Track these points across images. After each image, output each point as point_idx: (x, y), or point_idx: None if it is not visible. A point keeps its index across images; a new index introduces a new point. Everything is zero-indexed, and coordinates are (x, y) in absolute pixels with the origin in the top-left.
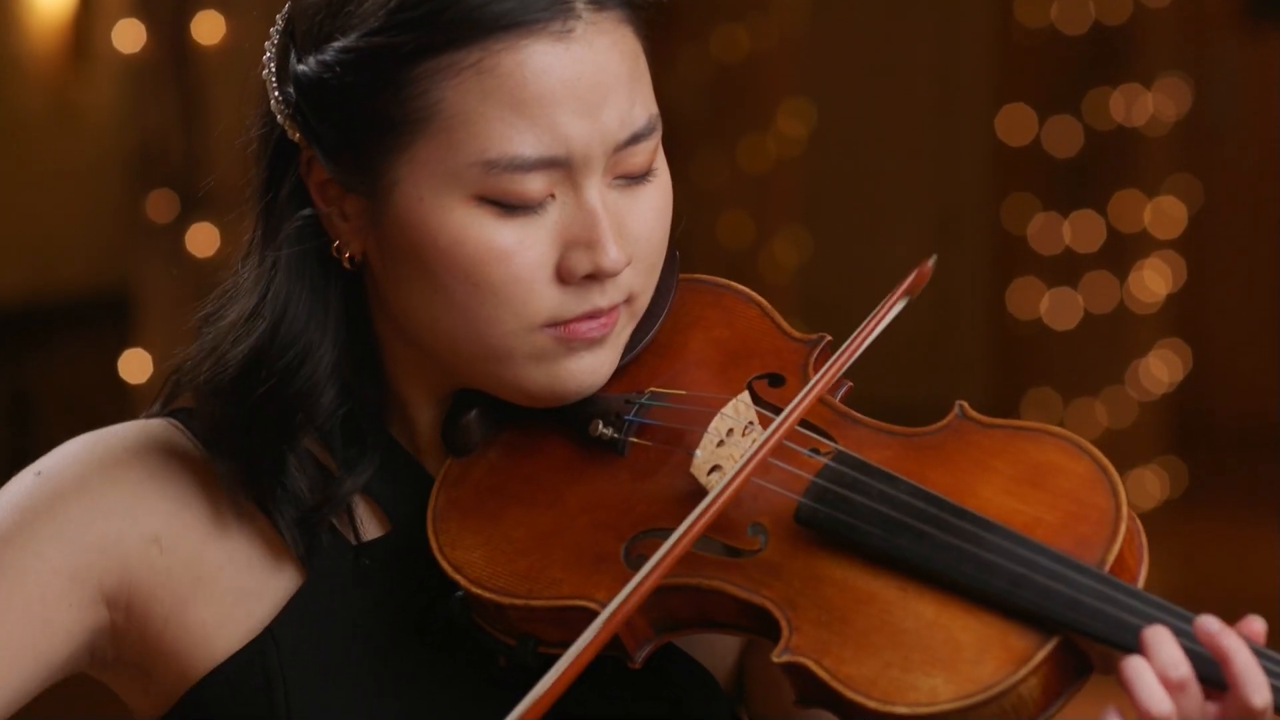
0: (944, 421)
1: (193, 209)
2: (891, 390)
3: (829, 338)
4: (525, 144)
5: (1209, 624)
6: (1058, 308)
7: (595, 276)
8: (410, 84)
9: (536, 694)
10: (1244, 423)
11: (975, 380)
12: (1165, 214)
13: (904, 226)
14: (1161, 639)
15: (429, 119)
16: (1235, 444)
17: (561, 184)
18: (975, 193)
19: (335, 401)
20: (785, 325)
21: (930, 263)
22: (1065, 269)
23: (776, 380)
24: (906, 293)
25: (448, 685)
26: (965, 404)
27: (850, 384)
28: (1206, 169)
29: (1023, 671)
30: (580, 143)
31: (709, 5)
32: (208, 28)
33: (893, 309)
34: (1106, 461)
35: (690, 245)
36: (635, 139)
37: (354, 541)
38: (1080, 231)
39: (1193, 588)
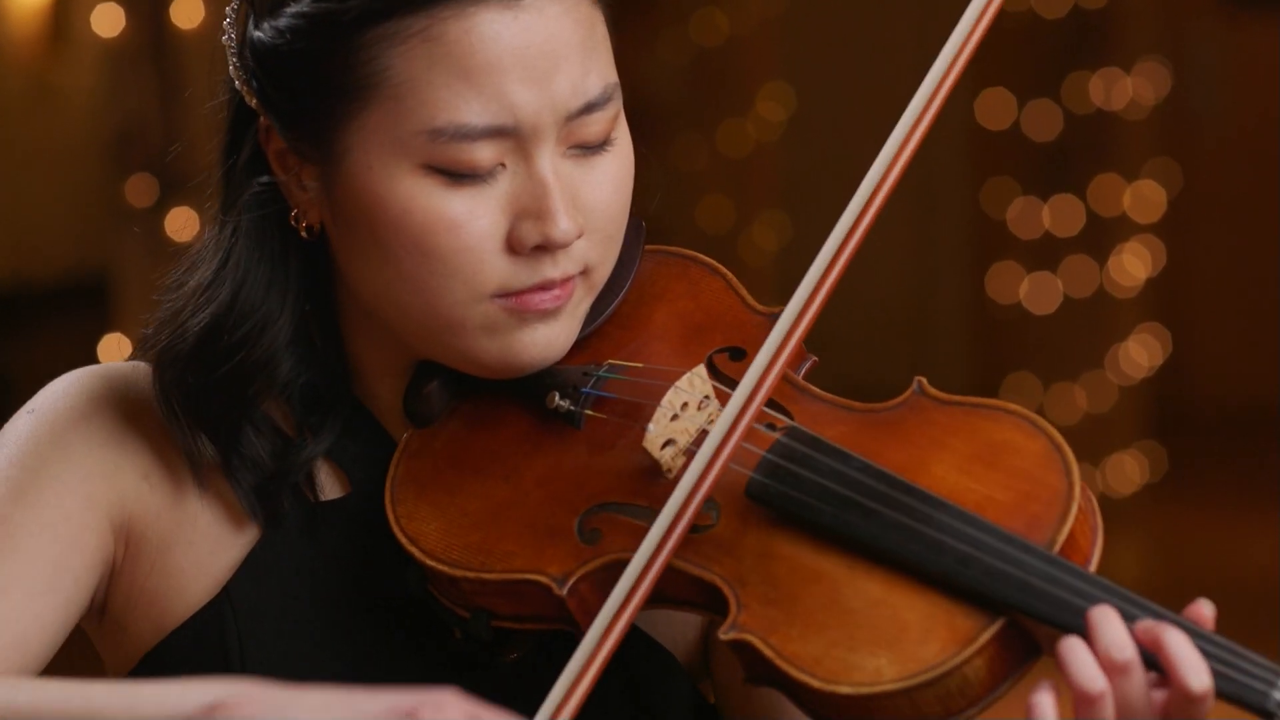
0: (902, 398)
1: (172, 193)
2: (870, 373)
3: (815, 360)
4: (471, 113)
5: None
6: (1037, 292)
7: (545, 247)
8: (358, 50)
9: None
10: (1223, 407)
11: (954, 364)
12: (1144, 198)
13: (883, 210)
14: (1107, 618)
15: (377, 86)
16: (1214, 428)
17: (512, 153)
18: (954, 176)
19: (294, 370)
20: (749, 298)
21: None
22: (1045, 253)
23: (737, 354)
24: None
25: (401, 651)
26: (924, 380)
27: (815, 359)
28: (1186, 153)
29: (967, 652)
30: (529, 111)
31: None
32: (186, 12)
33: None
34: (1061, 440)
35: (669, 229)
36: (589, 108)
37: (313, 500)
38: (1059, 216)
39: (1171, 572)
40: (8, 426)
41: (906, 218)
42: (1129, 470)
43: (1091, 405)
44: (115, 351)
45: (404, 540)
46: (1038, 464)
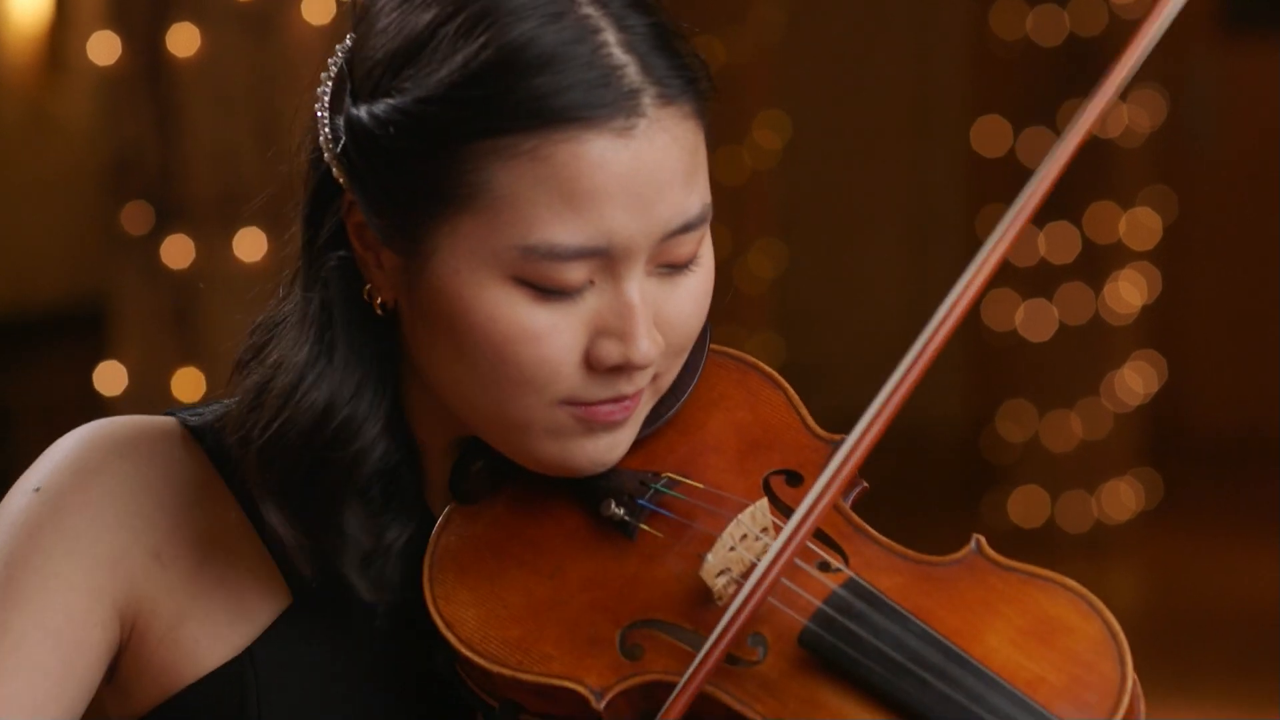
0: (959, 555)
1: (168, 220)
2: (866, 400)
3: (865, 485)
4: (568, 234)
5: None
6: (1033, 319)
7: (623, 368)
8: (462, 160)
9: None
10: (1219, 434)
11: (950, 391)
12: (1140, 225)
13: (879, 238)
14: None
15: (476, 196)
16: (1210, 456)
17: (601, 271)
18: (950, 204)
19: (382, 459)
20: (808, 418)
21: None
22: (1040, 280)
23: (794, 479)
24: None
25: None
26: (982, 539)
27: (865, 484)
28: (1181, 180)
29: None
30: (624, 236)
31: (685, 17)
32: (183, 40)
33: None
34: (1116, 625)
35: None
36: (686, 228)
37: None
38: (1055, 243)
39: (1167, 599)
40: (8, 501)
41: (903, 245)
42: (1124, 497)
43: (1087, 432)
44: (112, 380)
45: (440, 624)
46: (1092, 649)
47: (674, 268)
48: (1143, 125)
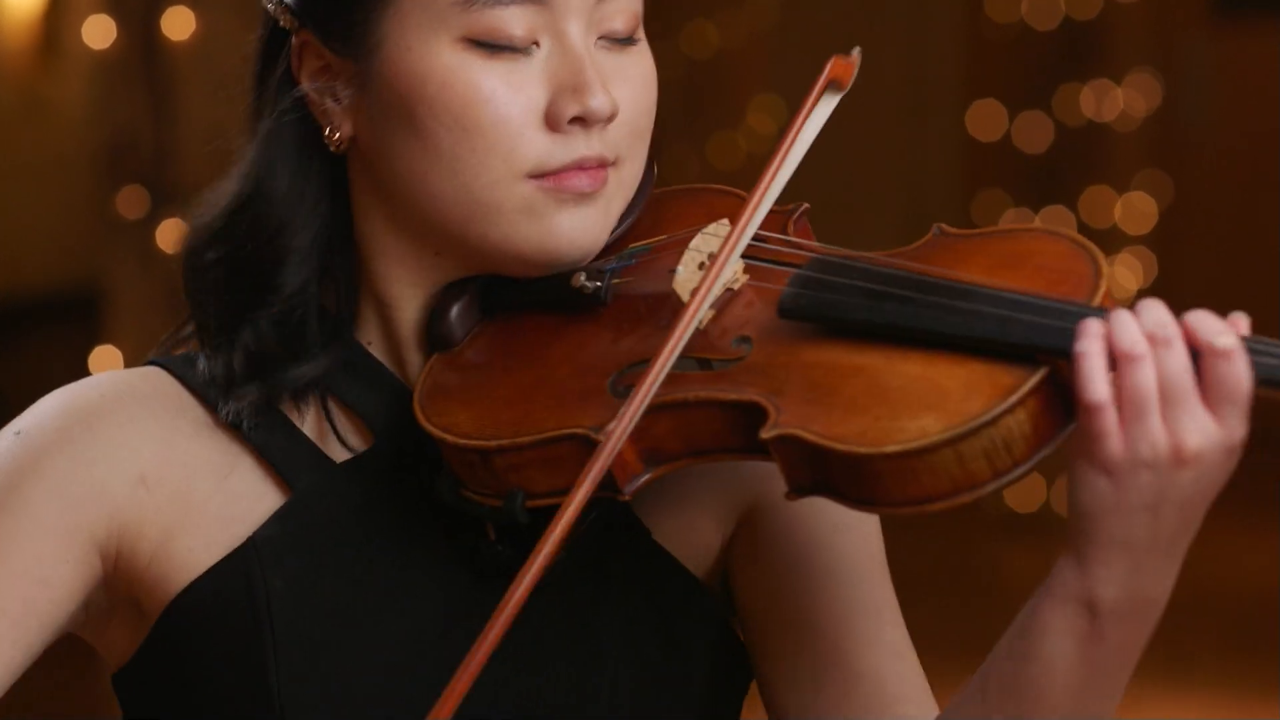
0: (923, 240)
1: (163, 205)
2: None
3: (807, 205)
4: None
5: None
6: None
7: (583, 120)
8: None
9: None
10: None
11: None
12: (1135, 210)
13: (874, 223)
14: (1151, 304)
15: None
16: None
17: (545, 29)
18: (945, 189)
19: (303, 282)
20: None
21: (854, 54)
22: None
23: (758, 238)
24: (832, 86)
25: (433, 575)
26: (944, 224)
27: (807, 205)
28: (1177, 165)
29: (1010, 400)
30: None
31: (679, 2)
32: (178, 23)
33: (817, 107)
34: (1085, 240)
35: None
36: None
37: (336, 457)
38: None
39: None
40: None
41: (898, 228)
42: None
43: None
44: (107, 364)
45: (436, 431)
46: (1062, 259)
47: (615, 40)
48: (1138, 110)
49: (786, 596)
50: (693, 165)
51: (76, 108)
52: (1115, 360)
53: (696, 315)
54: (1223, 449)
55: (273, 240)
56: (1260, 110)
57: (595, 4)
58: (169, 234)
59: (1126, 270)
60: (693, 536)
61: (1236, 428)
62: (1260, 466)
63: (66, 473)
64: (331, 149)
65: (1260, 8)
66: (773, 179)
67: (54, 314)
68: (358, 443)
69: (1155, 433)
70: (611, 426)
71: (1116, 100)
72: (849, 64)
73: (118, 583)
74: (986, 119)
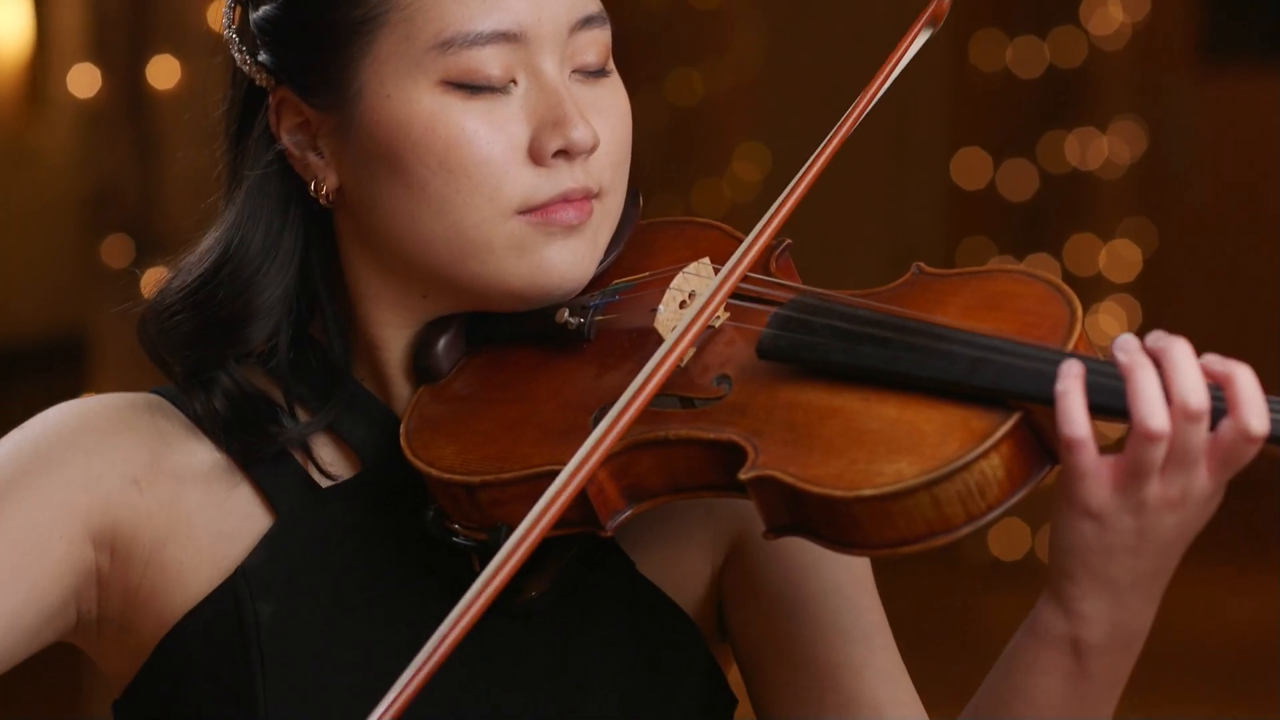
0: (902, 279)
1: (148, 253)
2: None
3: (790, 241)
4: (476, 20)
5: (1211, 360)
6: None
7: (567, 153)
8: None
9: (510, 544)
10: None
11: None
12: (1120, 257)
13: (859, 270)
14: (1183, 357)
15: (385, 13)
16: None
17: (521, 66)
18: (930, 236)
19: (276, 336)
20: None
21: None
22: None
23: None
24: (929, 23)
25: (419, 605)
26: (922, 264)
27: (790, 241)
28: (1161, 212)
29: (985, 445)
30: (530, 18)
31: (663, 49)
32: (163, 72)
33: (913, 44)
34: (1061, 283)
35: None
36: (588, 22)
37: (323, 484)
38: None
39: (1155, 629)
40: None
41: (882, 276)
42: None
43: None
44: None
45: (421, 465)
46: (1039, 302)
47: (588, 73)
48: (1122, 157)
49: (779, 625)
50: (678, 213)
51: (62, 156)
52: (1130, 430)
53: (671, 358)
54: (1210, 497)
55: (240, 297)
56: (1244, 158)
57: (568, 38)
58: (154, 282)
59: (1111, 318)
60: (679, 568)
61: (1226, 480)
62: (1250, 512)
63: (65, 457)
64: (320, 203)
65: (1244, 55)
66: (839, 140)
67: (39, 361)
68: (345, 469)
69: (1149, 489)
70: (575, 461)
71: (1101, 148)
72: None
73: (112, 588)
74: (971, 166)
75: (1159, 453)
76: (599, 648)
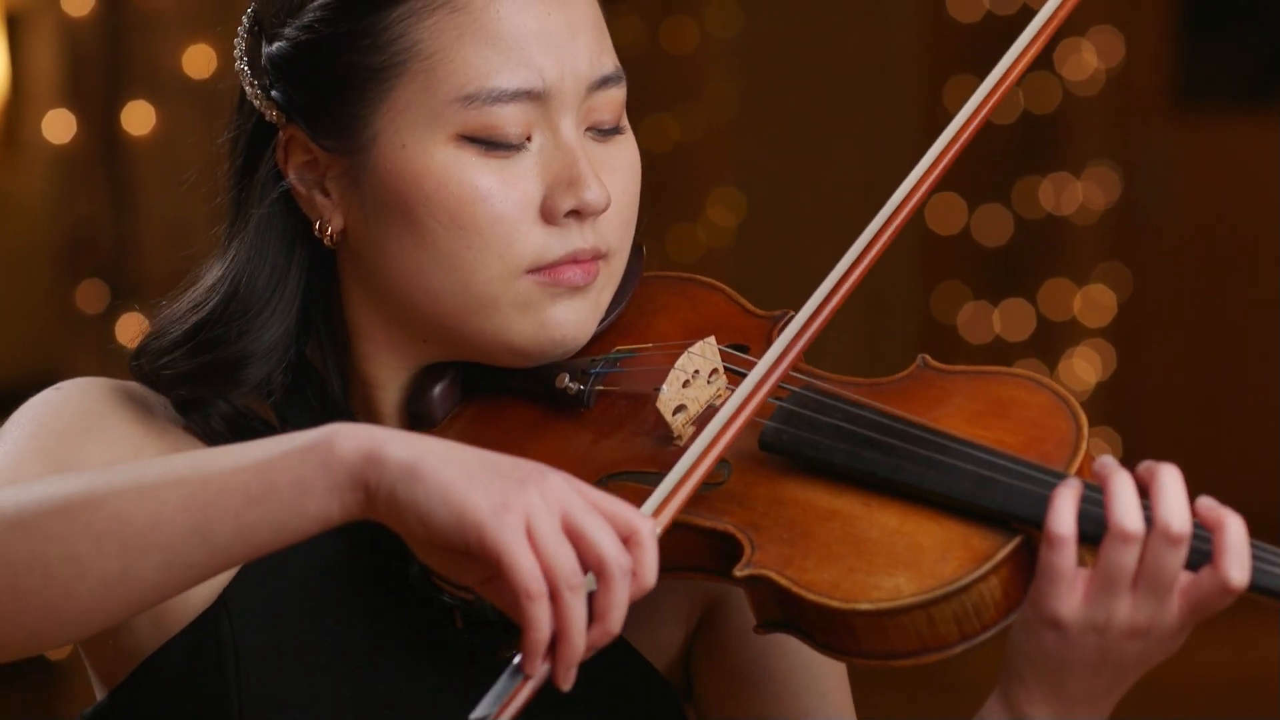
0: (907, 371)
1: (122, 299)
2: None
3: (792, 312)
4: (502, 77)
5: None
6: None
7: (579, 213)
8: (386, 29)
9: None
10: None
11: None
12: (1095, 302)
13: (836, 315)
14: (1172, 480)
15: (406, 62)
16: None
17: (539, 123)
18: (905, 281)
19: (274, 373)
20: (749, 305)
21: None
22: (995, 358)
23: (741, 349)
24: None
25: (400, 653)
26: (928, 356)
27: (792, 311)
28: (1136, 257)
29: (985, 568)
30: (554, 75)
31: (637, 95)
32: (138, 118)
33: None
34: (1067, 393)
35: None
36: (605, 82)
37: None
38: (1010, 320)
39: None
40: (28, 404)
41: (857, 321)
42: None
43: None
44: None
45: None
46: (1045, 413)
47: (602, 131)
48: (1097, 202)
49: (743, 700)
50: (652, 258)
51: (36, 201)
52: (1106, 533)
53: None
54: (1177, 634)
55: (242, 339)
56: (1219, 203)
57: (585, 96)
58: (129, 328)
59: (1086, 363)
60: (657, 631)
61: (1192, 624)
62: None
63: (113, 418)
64: (325, 243)
65: (1218, 100)
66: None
67: (13, 405)
68: None
69: (1118, 608)
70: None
71: (1075, 193)
72: None
73: None
74: (946, 212)
75: (1131, 559)
76: (575, 708)
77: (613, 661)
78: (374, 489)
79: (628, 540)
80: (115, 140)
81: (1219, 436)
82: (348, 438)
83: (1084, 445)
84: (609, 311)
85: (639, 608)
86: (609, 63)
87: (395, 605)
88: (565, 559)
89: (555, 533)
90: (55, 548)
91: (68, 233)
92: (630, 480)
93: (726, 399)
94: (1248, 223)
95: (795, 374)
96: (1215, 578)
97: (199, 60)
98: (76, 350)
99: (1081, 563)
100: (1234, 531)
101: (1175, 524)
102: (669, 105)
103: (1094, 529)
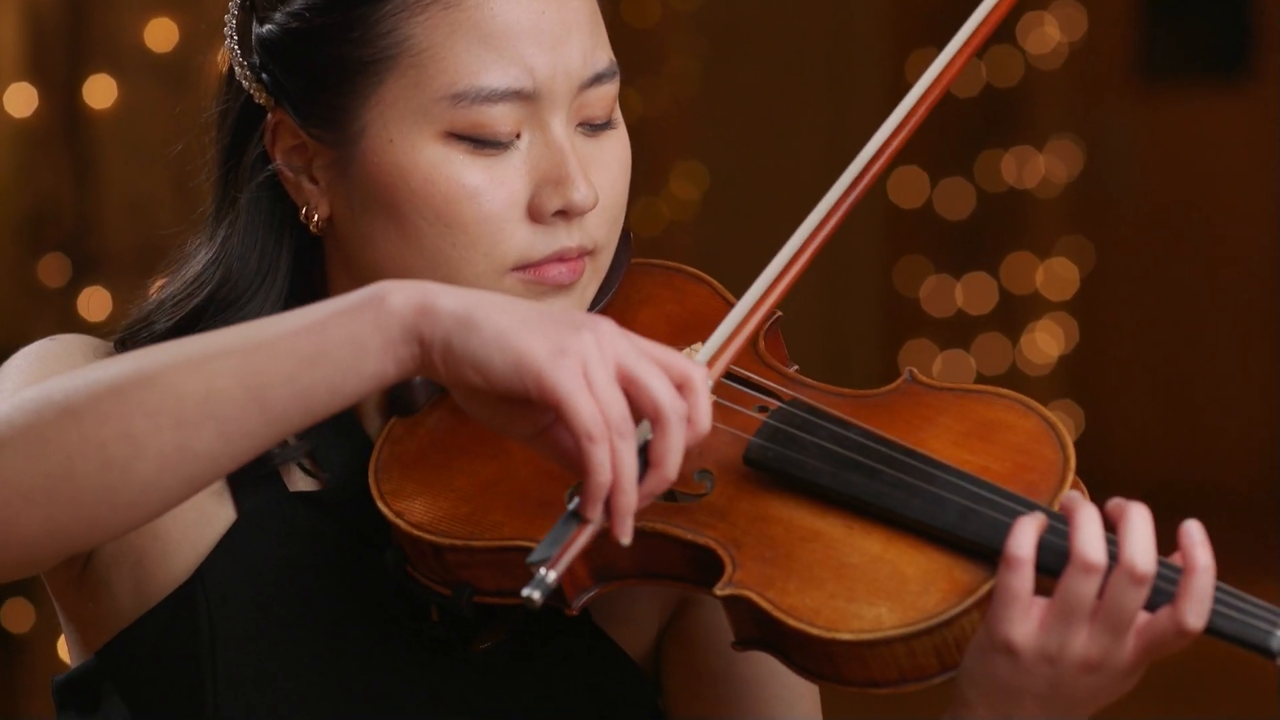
0: (893, 385)
1: (85, 273)
2: None
3: (781, 314)
4: (492, 76)
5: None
6: (950, 370)
7: (566, 213)
8: (378, 23)
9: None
10: (1137, 483)
11: None
12: (1057, 275)
13: (797, 289)
14: (1139, 522)
15: (397, 56)
16: None
17: (528, 121)
18: (867, 255)
19: None
20: (733, 300)
21: None
22: (957, 331)
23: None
24: None
25: (373, 639)
26: (914, 370)
27: (780, 314)
28: (1098, 230)
29: (967, 603)
30: (545, 74)
31: None
32: (100, 91)
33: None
34: (1055, 419)
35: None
36: (598, 79)
37: (289, 490)
38: (972, 294)
39: None
40: (23, 350)
41: (819, 295)
42: None
43: None
44: None
45: (389, 514)
46: (1032, 439)
47: (594, 126)
48: (1059, 176)
49: (708, 697)
50: None
51: None
52: (1068, 564)
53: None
54: (1130, 672)
55: (232, 316)
56: (1181, 176)
57: (577, 93)
58: (90, 302)
59: (1049, 336)
60: (632, 622)
61: (1146, 663)
62: (1175, 530)
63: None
64: (311, 230)
65: (1180, 74)
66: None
67: None
68: (308, 481)
69: (1073, 640)
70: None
71: (1038, 167)
72: None
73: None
74: (908, 185)
75: (1090, 591)
76: (551, 696)
77: (589, 652)
78: (429, 341)
79: (681, 387)
80: (77, 114)
81: (1180, 409)
82: (398, 291)
83: (1070, 476)
84: (596, 300)
85: (616, 600)
86: (603, 59)
87: (372, 594)
88: (618, 406)
89: (610, 380)
90: (109, 428)
91: (29, 206)
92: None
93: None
94: (1209, 196)
95: (780, 380)
96: (1173, 619)
97: (161, 34)
98: (39, 323)
99: (1047, 593)
100: (1201, 577)
101: (1140, 563)
102: (631, 79)
103: (1058, 561)
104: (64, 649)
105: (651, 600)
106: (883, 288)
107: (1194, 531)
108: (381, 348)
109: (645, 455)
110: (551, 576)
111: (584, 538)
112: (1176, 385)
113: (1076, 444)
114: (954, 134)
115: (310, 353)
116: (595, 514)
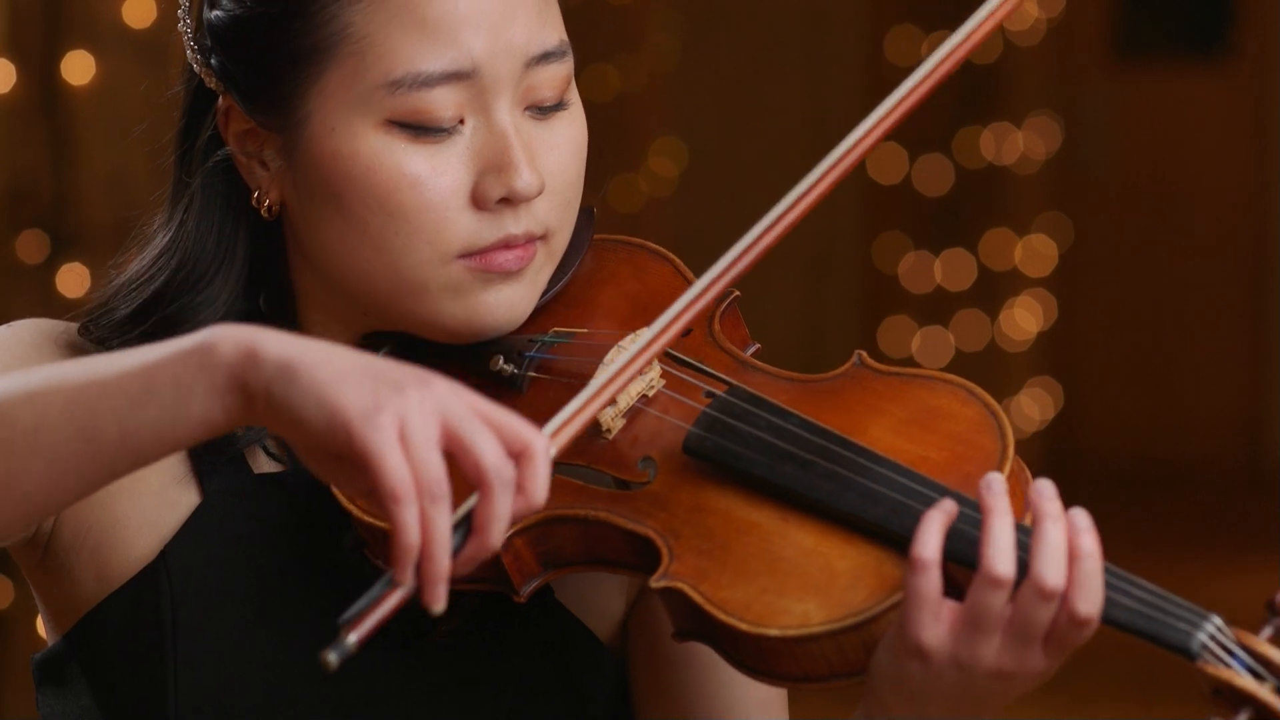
0: (842, 369)
1: (63, 249)
2: None
3: (738, 293)
4: (428, 60)
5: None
6: (929, 346)
7: (509, 200)
8: (319, 11)
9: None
10: (1114, 459)
11: None
12: (1035, 252)
13: (775, 266)
14: (1051, 533)
15: (336, 45)
16: (1106, 480)
17: (471, 106)
18: (846, 232)
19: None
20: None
21: None
22: (936, 308)
23: (684, 331)
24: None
25: (334, 621)
26: (864, 353)
27: (738, 294)
28: (1076, 207)
29: (894, 598)
30: (485, 55)
31: (578, 45)
32: (78, 67)
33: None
34: (997, 406)
35: None
36: (546, 57)
37: (253, 472)
38: (951, 270)
39: None
40: None
41: (798, 271)
42: None
43: None
44: None
45: (344, 502)
46: (972, 428)
47: (543, 109)
48: (1038, 153)
49: (670, 673)
50: (594, 208)
51: None
52: (976, 573)
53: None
54: (1043, 672)
55: (188, 311)
56: (1159, 153)
57: (523, 74)
58: (69, 278)
59: (1027, 312)
60: (597, 599)
61: (1058, 661)
62: (1159, 506)
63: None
64: (262, 214)
65: (1158, 51)
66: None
67: None
68: (271, 462)
69: (985, 649)
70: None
71: (1016, 143)
72: None
73: (66, 517)
74: (887, 162)
75: (999, 603)
76: (514, 674)
77: (552, 628)
78: (252, 389)
79: (519, 455)
80: (55, 90)
81: (1157, 385)
82: (226, 338)
83: (1008, 466)
84: (554, 281)
85: (583, 583)
86: (551, 38)
87: (333, 576)
88: (433, 468)
89: (429, 440)
90: None
91: (7, 183)
92: (559, 472)
93: (659, 389)
94: (1186, 173)
95: (731, 366)
96: (1065, 611)
97: (139, 10)
98: (17, 300)
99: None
100: (1089, 562)
101: (1049, 578)
102: (610, 55)
103: (970, 552)
104: (42, 626)
105: (616, 585)
106: (862, 264)
107: (1079, 520)
108: (207, 393)
109: (469, 521)
110: (352, 639)
111: (393, 601)
112: (1154, 361)
113: (1054, 420)
114: (933, 110)
115: (138, 393)
116: (405, 578)
